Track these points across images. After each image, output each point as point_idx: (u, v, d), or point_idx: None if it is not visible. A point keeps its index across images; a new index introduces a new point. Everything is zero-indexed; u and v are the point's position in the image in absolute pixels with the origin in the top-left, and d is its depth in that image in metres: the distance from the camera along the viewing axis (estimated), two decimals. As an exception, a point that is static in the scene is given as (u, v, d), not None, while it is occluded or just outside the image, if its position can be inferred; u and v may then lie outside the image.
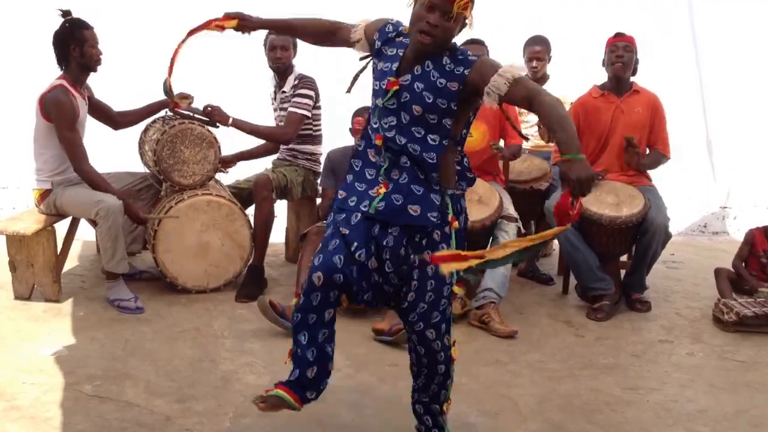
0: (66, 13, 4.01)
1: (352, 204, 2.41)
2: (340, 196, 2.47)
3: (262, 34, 4.71)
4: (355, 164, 2.48)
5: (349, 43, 2.56)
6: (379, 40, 2.43)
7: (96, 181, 4.02)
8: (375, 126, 2.40)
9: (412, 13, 2.30)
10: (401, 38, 2.40)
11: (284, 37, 4.54)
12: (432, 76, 2.30)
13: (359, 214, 2.38)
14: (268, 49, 4.67)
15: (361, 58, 2.55)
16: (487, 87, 2.23)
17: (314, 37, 2.69)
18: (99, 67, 4.09)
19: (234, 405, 2.98)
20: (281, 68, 4.67)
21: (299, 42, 4.73)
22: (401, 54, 2.36)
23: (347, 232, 2.36)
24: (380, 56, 2.42)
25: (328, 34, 2.63)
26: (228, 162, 4.83)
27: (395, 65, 2.35)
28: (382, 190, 2.37)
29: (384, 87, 2.35)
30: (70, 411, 2.88)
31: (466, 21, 2.29)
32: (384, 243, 2.37)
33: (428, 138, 2.33)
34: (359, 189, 2.42)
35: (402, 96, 2.32)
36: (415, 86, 2.31)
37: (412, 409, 2.64)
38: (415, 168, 2.35)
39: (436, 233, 2.37)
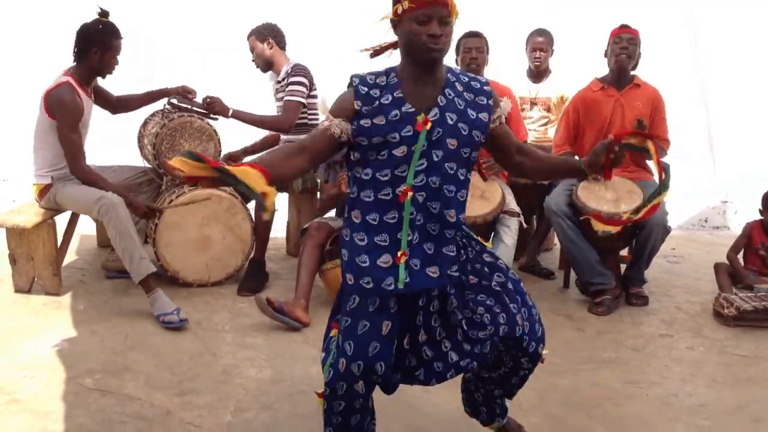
0: (104, 14, 3.96)
1: (368, 286, 2.13)
2: (349, 281, 2.16)
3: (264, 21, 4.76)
4: (358, 238, 2.15)
5: (335, 144, 2.13)
6: (361, 101, 2.09)
7: (93, 180, 3.97)
8: (397, 183, 2.10)
9: (403, 37, 2.08)
10: (386, 79, 2.12)
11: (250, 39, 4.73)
12: (458, 105, 2.12)
13: (378, 299, 2.14)
14: None
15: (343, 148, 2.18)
16: (494, 116, 2.20)
17: (309, 163, 2.17)
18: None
19: (235, 399, 2.98)
20: (257, 66, 4.80)
21: (297, 35, 4.79)
22: (401, 94, 2.09)
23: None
24: (374, 113, 2.08)
25: (308, 157, 2.15)
26: (235, 158, 4.83)
27: (407, 106, 2.08)
28: (403, 259, 2.12)
29: (409, 132, 2.07)
30: (71, 404, 2.88)
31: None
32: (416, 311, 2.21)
33: (458, 174, 2.15)
34: (376, 264, 2.13)
35: (434, 133, 2.08)
36: (447, 118, 2.09)
37: (467, 397, 2.60)
38: (428, 224, 2.13)
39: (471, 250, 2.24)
